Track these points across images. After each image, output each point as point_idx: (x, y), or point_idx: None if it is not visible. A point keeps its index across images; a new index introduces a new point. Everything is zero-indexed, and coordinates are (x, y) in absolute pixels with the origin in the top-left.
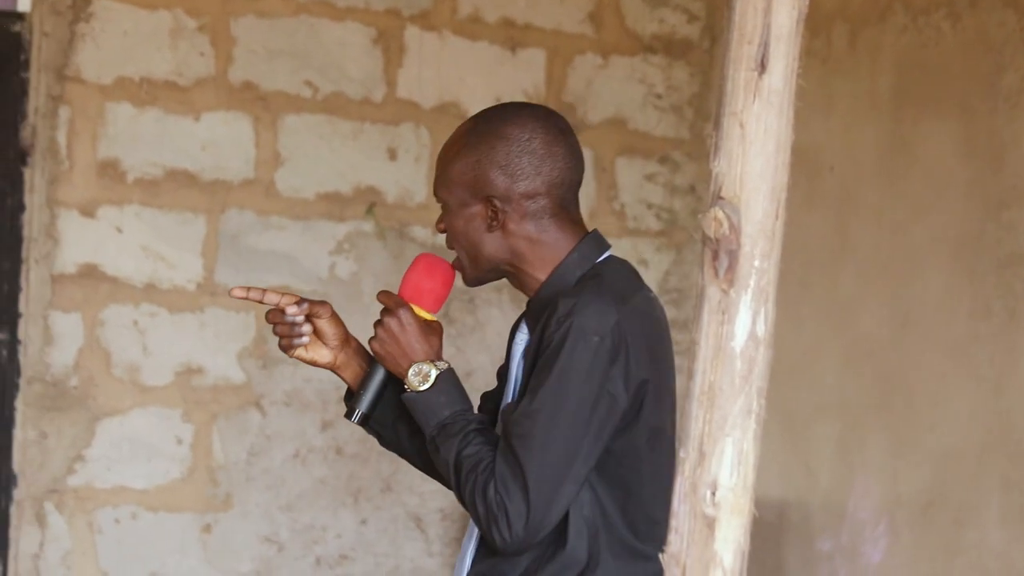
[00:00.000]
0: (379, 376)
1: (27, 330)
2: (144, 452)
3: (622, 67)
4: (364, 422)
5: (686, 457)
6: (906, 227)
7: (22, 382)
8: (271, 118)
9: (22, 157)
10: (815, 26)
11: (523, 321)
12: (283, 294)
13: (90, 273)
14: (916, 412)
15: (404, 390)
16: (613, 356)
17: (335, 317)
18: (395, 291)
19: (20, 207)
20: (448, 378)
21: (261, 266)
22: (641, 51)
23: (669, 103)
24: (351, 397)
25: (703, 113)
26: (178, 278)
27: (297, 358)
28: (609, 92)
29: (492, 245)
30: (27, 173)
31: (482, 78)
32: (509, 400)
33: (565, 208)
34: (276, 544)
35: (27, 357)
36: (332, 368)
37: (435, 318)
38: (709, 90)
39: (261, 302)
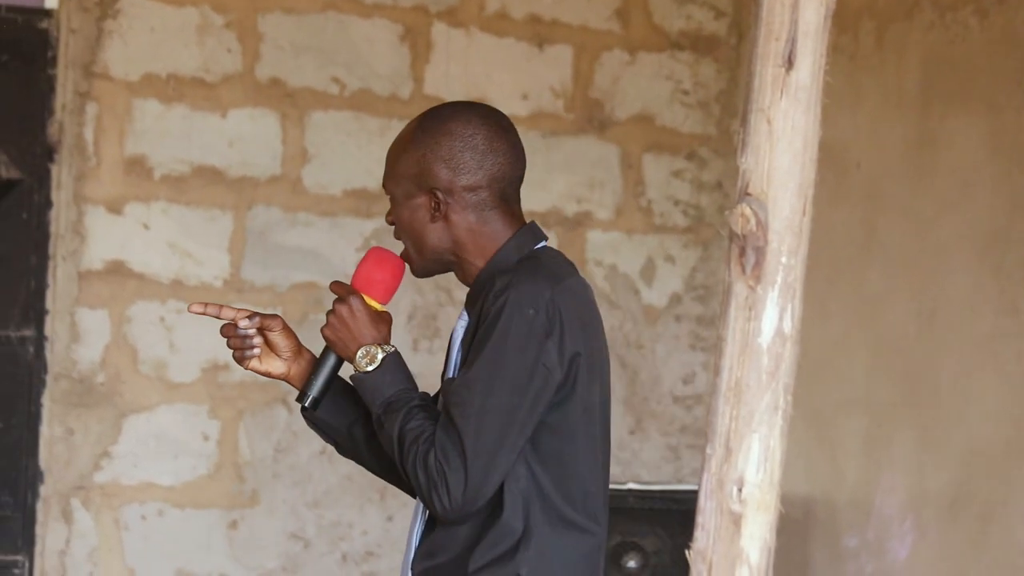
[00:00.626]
0: (330, 362)
1: (54, 327)
2: (171, 449)
3: (649, 63)
4: (317, 423)
5: (712, 453)
6: (933, 223)
7: (49, 379)
8: (298, 115)
9: (49, 154)
10: (842, 22)
11: (463, 310)
12: (238, 309)
13: (117, 270)
14: (943, 408)
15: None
16: (548, 330)
17: (287, 329)
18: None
19: (47, 203)
20: (394, 360)
21: (288, 263)
22: (668, 47)
23: (696, 99)
24: (304, 409)
25: (730, 109)
26: (205, 275)
27: (251, 370)
28: (636, 88)
29: (435, 235)
30: (54, 170)
31: (509, 74)
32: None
33: (505, 201)
34: (302, 541)
35: (54, 354)
36: (285, 379)
37: (385, 309)
38: (736, 86)
39: (218, 317)
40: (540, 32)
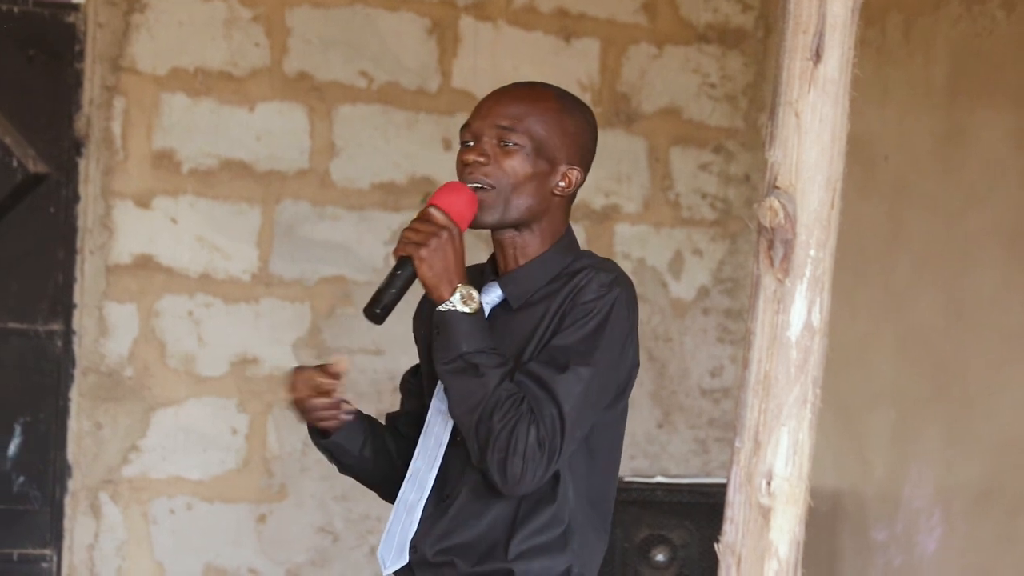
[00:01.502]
0: (405, 275)
1: (82, 321)
2: (199, 443)
3: (676, 57)
4: (331, 448)
5: (741, 447)
6: (961, 216)
7: (77, 373)
8: (326, 108)
9: (77, 148)
10: (870, 15)
11: (489, 286)
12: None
13: (145, 264)
14: (971, 401)
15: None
16: (629, 334)
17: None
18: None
19: (75, 198)
20: (484, 311)
21: (316, 256)
22: (695, 41)
23: (723, 92)
24: (323, 437)
25: (757, 102)
26: (233, 268)
27: (326, 428)
28: (663, 82)
29: (538, 203)
30: (82, 164)
31: (536, 68)
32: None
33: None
34: (331, 534)
35: (82, 348)
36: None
37: None
38: (763, 79)
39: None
40: (567, 26)
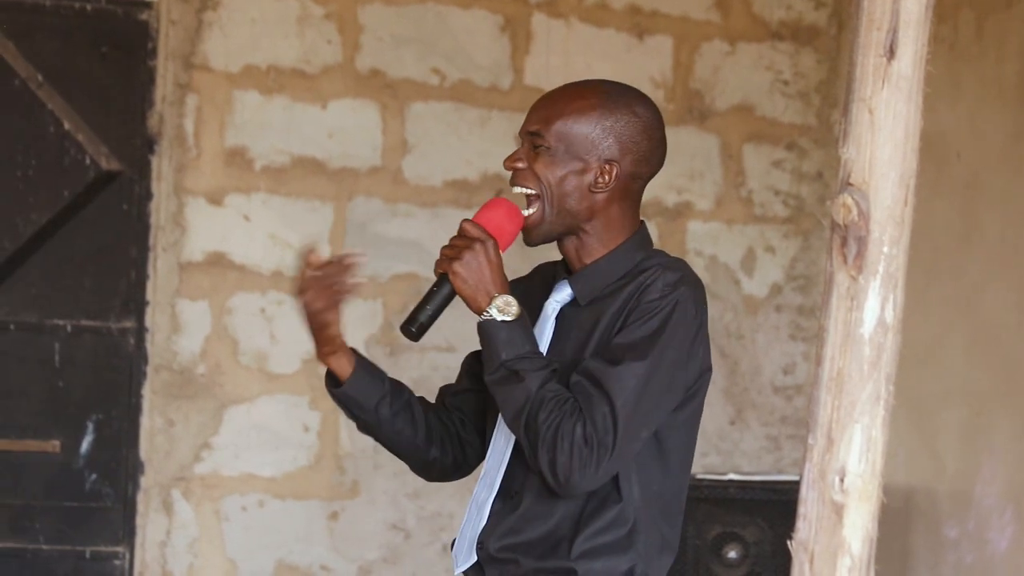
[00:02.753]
0: (444, 293)
1: (154, 318)
2: (271, 440)
3: (749, 54)
4: (344, 400)
5: (814, 444)
6: None
7: (149, 370)
8: (398, 105)
9: (150, 145)
10: (942, 12)
11: (559, 284)
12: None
13: (217, 261)
14: None
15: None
16: (697, 334)
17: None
18: None
19: (148, 195)
20: (525, 315)
21: (388, 253)
22: (768, 38)
23: (796, 89)
24: (338, 386)
25: (830, 99)
26: None
27: (321, 318)
28: (736, 79)
29: (583, 204)
30: (154, 161)
31: (609, 65)
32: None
33: (641, 195)
34: (403, 531)
35: (154, 345)
36: (332, 345)
37: None
38: (836, 76)
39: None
40: (640, 23)
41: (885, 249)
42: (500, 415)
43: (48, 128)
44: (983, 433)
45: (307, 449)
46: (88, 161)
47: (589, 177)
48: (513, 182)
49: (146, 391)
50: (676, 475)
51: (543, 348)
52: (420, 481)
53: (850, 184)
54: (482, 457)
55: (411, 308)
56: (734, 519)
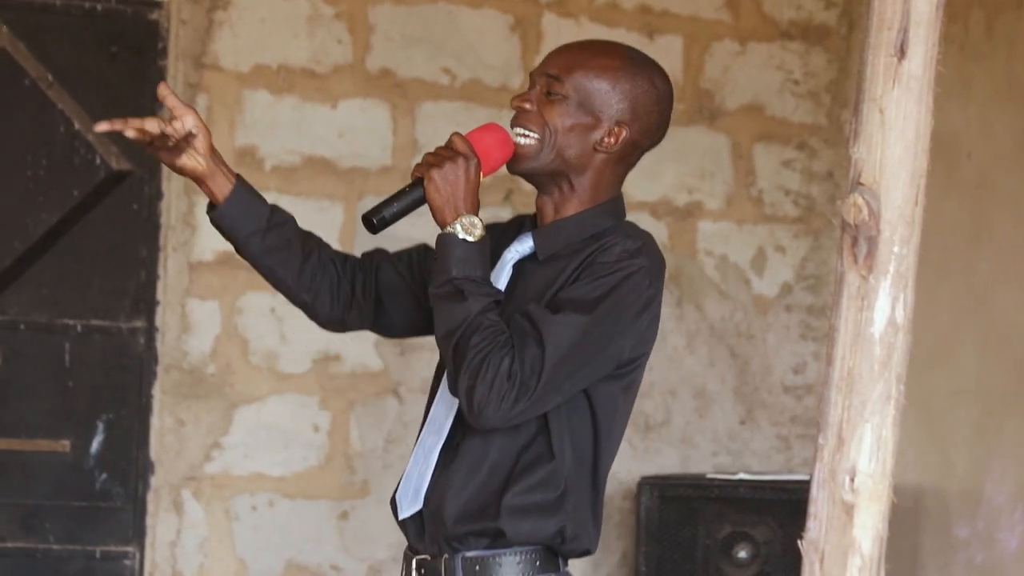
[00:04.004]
0: (415, 196)
1: (164, 318)
2: (281, 439)
3: (759, 53)
4: (219, 221)
5: (824, 443)
6: None
7: (159, 370)
8: (408, 105)
9: None
10: (952, 12)
11: (523, 235)
12: (143, 119)
13: (227, 261)
14: None
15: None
16: (646, 308)
17: (202, 122)
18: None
19: (158, 195)
20: (487, 241)
21: None
22: (778, 37)
23: (806, 89)
24: (212, 210)
25: (840, 99)
26: None
27: (178, 169)
28: (746, 78)
29: (581, 157)
30: None
31: None
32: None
33: (633, 166)
34: None
35: (164, 345)
36: (201, 178)
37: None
38: (847, 76)
39: (123, 131)
40: (650, 22)
41: (896, 249)
42: None
43: (58, 128)
44: (993, 433)
45: (317, 449)
46: (98, 161)
47: (597, 135)
48: (516, 122)
49: (156, 391)
50: (605, 446)
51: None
52: None
53: (860, 184)
54: (367, 326)
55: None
56: (744, 519)
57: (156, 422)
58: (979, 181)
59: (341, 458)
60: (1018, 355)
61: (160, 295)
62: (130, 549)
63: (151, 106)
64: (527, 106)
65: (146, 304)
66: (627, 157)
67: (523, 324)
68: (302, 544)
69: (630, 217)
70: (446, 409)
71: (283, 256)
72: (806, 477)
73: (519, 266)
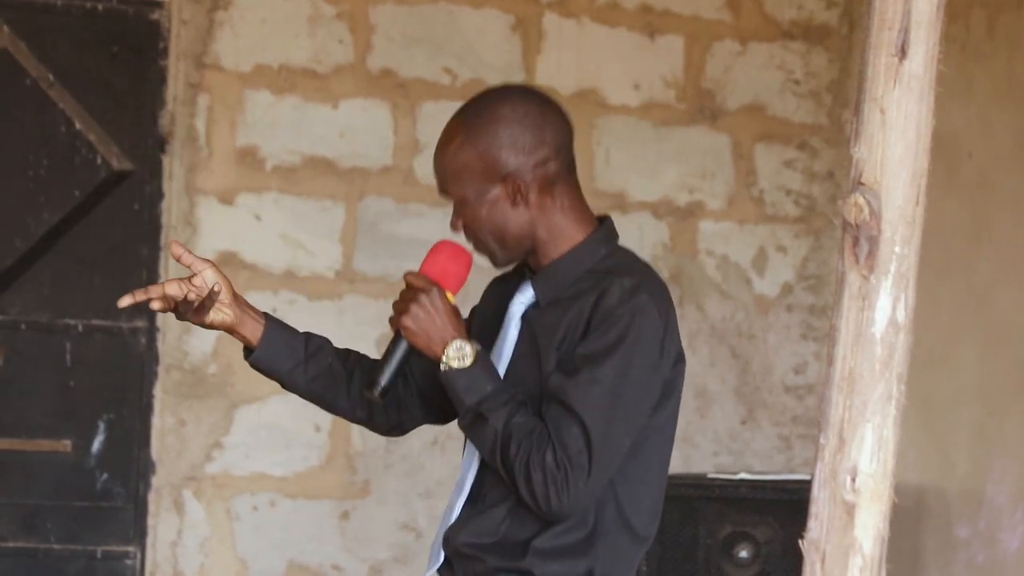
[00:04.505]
0: (401, 350)
1: (165, 318)
2: (282, 439)
3: (760, 53)
4: (259, 368)
5: (825, 443)
6: None
7: (160, 370)
8: (409, 105)
9: (161, 145)
10: (953, 12)
11: (523, 285)
12: (163, 284)
13: (229, 260)
14: None
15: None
16: (665, 333)
17: (221, 274)
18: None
19: (159, 195)
20: (485, 355)
21: (399, 253)
22: (780, 37)
23: (807, 89)
24: (249, 354)
25: (841, 99)
26: (317, 265)
27: (207, 325)
28: (747, 78)
29: (519, 222)
30: (166, 161)
31: (620, 65)
32: (503, 360)
33: (570, 170)
34: (414, 531)
35: (165, 345)
36: (232, 327)
37: (455, 301)
38: (848, 76)
39: (149, 299)
40: (651, 22)
41: (896, 249)
42: None
43: (59, 128)
44: (995, 432)
45: (318, 449)
46: (99, 161)
47: (505, 200)
48: (466, 238)
49: (157, 391)
50: (656, 470)
51: (507, 350)
52: (432, 481)
53: (861, 184)
54: (422, 422)
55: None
56: (745, 519)
57: (157, 422)
58: (980, 181)
59: (342, 458)
60: (1019, 355)
61: None
62: (131, 549)
63: (152, 105)
64: (458, 227)
65: (147, 304)
66: (551, 185)
67: (553, 410)
68: (303, 544)
69: (632, 217)
70: (468, 467)
71: (328, 381)
72: (807, 477)
73: (526, 315)
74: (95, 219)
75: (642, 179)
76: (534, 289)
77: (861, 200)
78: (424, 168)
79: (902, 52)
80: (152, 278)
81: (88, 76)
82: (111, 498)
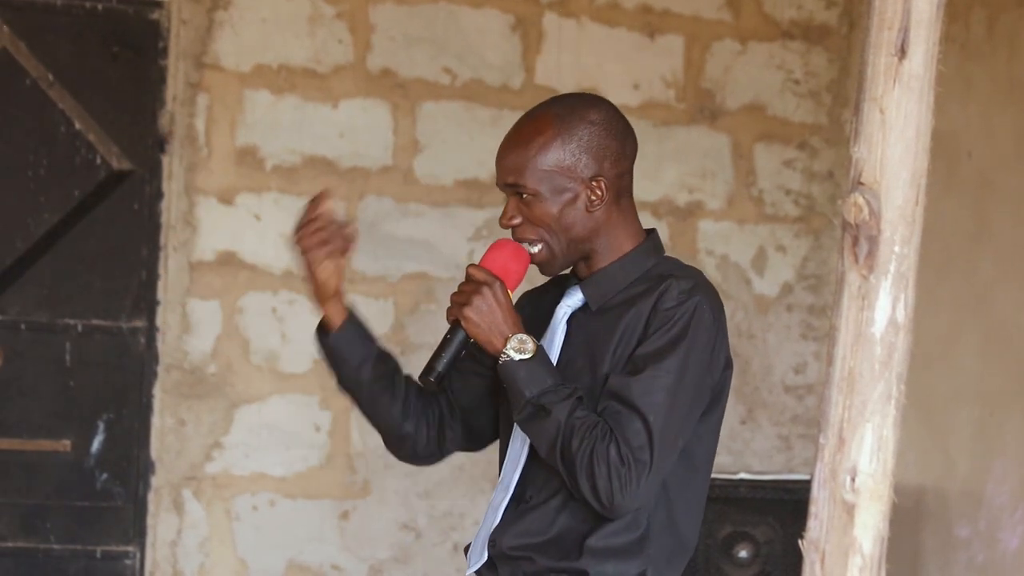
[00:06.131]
0: (459, 339)
1: (165, 318)
2: (282, 439)
3: (760, 53)
4: (331, 350)
5: (825, 443)
6: None
7: (160, 369)
8: (409, 105)
9: (161, 144)
10: (953, 11)
11: (571, 289)
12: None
13: (228, 260)
14: None
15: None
16: (717, 335)
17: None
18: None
19: (159, 194)
20: (544, 351)
21: (399, 253)
22: (779, 37)
23: (807, 89)
24: (326, 335)
25: (841, 99)
26: None
27: (318, 273)
28: (747, 78)
29: (587, 226)
30: (165, 161)
31: (620, 64)
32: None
33: (631, 186)
34: (414, 531)
35: (165, 344)
36: (329, 293)
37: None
38: (847, 76)
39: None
40: (651, 22)
41: (896, 248)
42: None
43: (59, 128)
44: (995, 432)
45: (318, 449)
46: (99, 161)
47: (582, 201)
48: (516, 237)
49: (157, 391)
50: (702, 476)
51: (554, 353)
52: (432, 481)
53: (861, 183)
54: (460, 446)
55: (422, 307)
56: (745, 518)
57: (157, 422)
58: (980, 180)
59: (342, 458)
60: (1019, 355)
61: (161, 295)
62: (131, 549)
63: (151, 105)
64: (516, 221)
65: (147, 304)
66: (620, 191)
67: (615, 406)
68: (303, 544)
69: None
70: (512, 467)
71: (388, 384)
72: (807, 477)
73: (572, 319)
74: (95, 219)
75: (641, 179)
76: (584, 293)
77: (861, 200)
78: (424, 168)
79: (902, 52)
80: (152, 278)
81: (88, 76)
82: (111, 498)
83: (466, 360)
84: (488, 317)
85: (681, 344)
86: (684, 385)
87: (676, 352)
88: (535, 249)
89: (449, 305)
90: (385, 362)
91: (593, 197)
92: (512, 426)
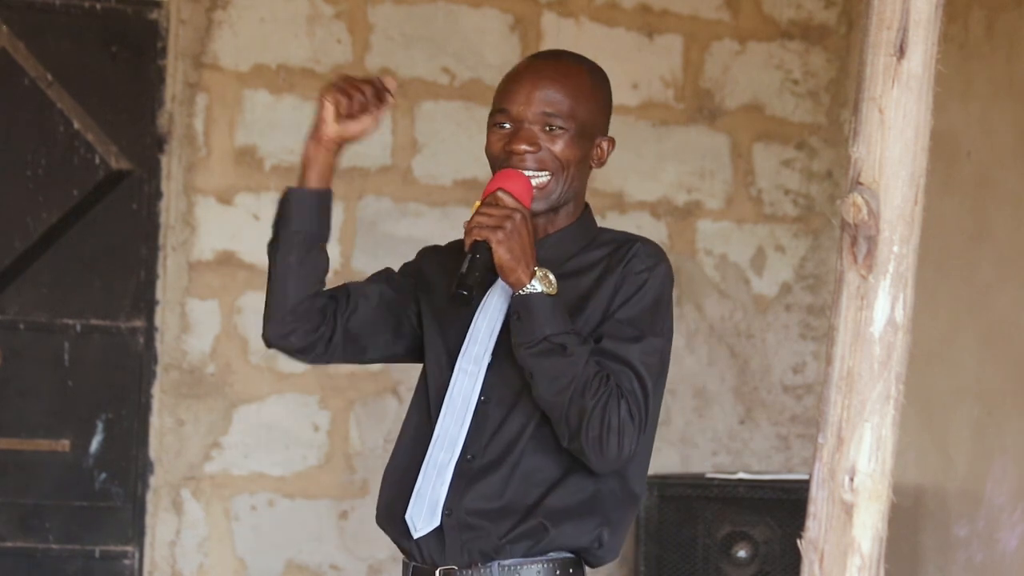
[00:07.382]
0: (484, 260)
1: (164, 317)
2: (281, 439)
3: (759, 53)
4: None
5: (824, 443)
6: None
7: (159, 369)
8: (408, 105)
9: (159, 144)
10: (952, 11)
11: None
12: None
13: (227, 260)
14: None
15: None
16: (671, 306)
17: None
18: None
19: (157, 194)
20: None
21: (398, 252)
22: (778, 37)
23: (806, 89)
24: (299, 190)
25: (840, 99)
26: None
27: (347, 127)
28: (746, 78)
29: (582, 180)
30: (164, 160)
31: (619, 64)
32: (488, 320)
33: None
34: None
35: (164, 344)
36: (351, 136)
37: None
38: (846, 76)
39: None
40: (650, 22)
41: (895, 248)
42: (455, 377)
43: (58, 127)
44: (993, 432)
45: (317, 448)
46: (98, 160)
47: (593, 155)
48: (520, 165)
49: (156, 390)
50: (650, 432)
51: (501, 313)
52: None
53: (860, 183)
54: (338, 359)
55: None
56: (744, 518)
57: (155, 422)
58: (979, 180)
59: (341, 457)
60: (1018, 354)
61: (160, 294)
62: (129, 549)
63: (150, 105)
64: (532, 148)
65: (146, 304)
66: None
67: (614, 365)
68: (302, 544)
69: (631, 217)
70: (457, 423)
71: (312, 273)
72: (805, 477)
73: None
74: (94, 218)
75: (641, 179)
76: (541, 254)
77: (860, 200)
78: (423, 168)
79: (901, 52)
80: (150, 278)
81: (87, 76)
82: (109, 498)
83: (375, 284)
84: (520, 246)
85: (660, 308)
86: (667, 348)
87: (659, 315)
88: (543, 178)
89: (472, 224)
90: (316, 256)
91: (599, 153)
92: (447, 380)
